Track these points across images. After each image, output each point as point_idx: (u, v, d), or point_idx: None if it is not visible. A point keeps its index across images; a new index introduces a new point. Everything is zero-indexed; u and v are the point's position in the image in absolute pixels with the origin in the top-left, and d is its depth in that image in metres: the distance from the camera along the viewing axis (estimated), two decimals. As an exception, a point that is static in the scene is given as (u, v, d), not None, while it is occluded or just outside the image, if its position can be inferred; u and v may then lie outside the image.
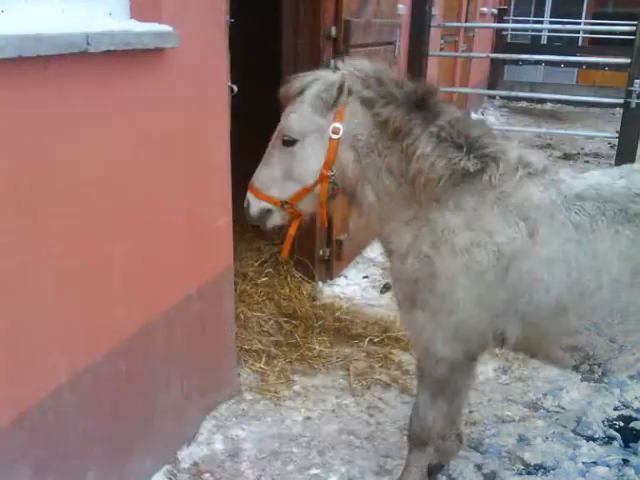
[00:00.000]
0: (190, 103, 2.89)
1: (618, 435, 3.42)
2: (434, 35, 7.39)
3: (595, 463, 3.22)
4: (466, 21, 10.64)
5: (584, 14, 17.92)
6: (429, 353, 2.55)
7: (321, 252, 5.02)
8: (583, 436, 3.44)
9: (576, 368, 2.69)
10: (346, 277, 5.30)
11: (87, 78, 2.26)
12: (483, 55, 11.12)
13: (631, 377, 3.86)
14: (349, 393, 3.76)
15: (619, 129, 6.49)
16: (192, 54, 2.82)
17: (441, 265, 2.39)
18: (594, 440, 3.40)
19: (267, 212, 2.64)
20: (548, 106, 14.73)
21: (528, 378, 3.96)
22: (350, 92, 2.45)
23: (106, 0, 2.48)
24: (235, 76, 3.34)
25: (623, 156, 6.13)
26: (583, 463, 3.22)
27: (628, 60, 6.16)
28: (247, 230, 5.39)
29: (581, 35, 17.48)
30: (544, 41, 17.60)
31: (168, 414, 3.06)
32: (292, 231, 2.68)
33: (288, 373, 3.91)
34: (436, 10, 7.44)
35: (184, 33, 2.67)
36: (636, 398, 3.78)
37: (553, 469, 3.19)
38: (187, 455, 3.17)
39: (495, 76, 15.57)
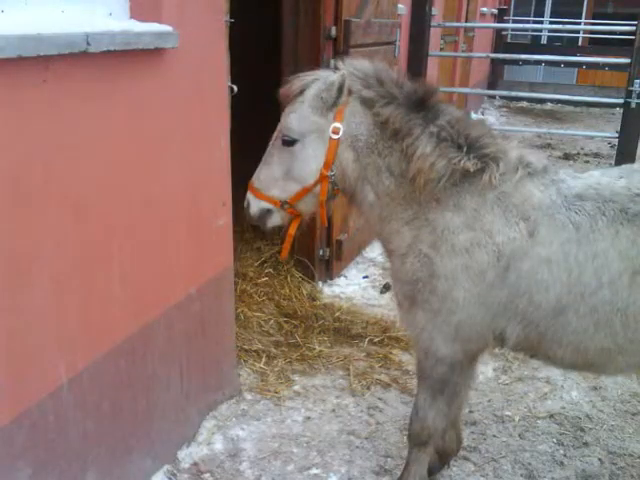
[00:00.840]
0: (190, 103, 2.89)
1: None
2: (434, 35, 7.40)
3: (594, 464, 3.23)
4: (466, 21, 10.64)
5: (584, 14, 17.92)
6: (429, 353, 2.55)
7: (321, 252, 5.02)
8: (583, 436, 3.44)
9: (576, 368, 2.70)
10: (346, 277, 5.30)
11: (87, 78, 2.26)
12: (483, 55, 11.11)
13: (630, 377, 3.87)
14: (349, 393, 3.76)
15: (619, 129, 6.50)
16: (192, 54, 2.82)
17: (441, 265, 2.39)
18: (593, 440, 3.41)
19: (267, 212, 2.65)
20: (548, 106, 14.74)
21: (528, 378, 3.96)
22: (350, 92, 2.45)
23: (106, 0, 2.48)
24: (235, 76, 3.34)
25: (623, 156, 6.15)
26: (583, 463, 3.23)
27: (628, 60, 6.17)
28: (247, 230, 5.40)
29: (581, 35, 17.48)
30: (544, 41, 17.60)
31: (168, 414, 3.06)
32: (292, 231, 2.68)
33: (288, 373, 3.91)
34: (436, 10, 7.44)
35: (184, 33, 2.67)
36: (635, 396, 3.78)
37: (553, 469, 3.19)
38: (187, 455, 3.18)
39: (495, 76, 15.57)
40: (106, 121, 2.40)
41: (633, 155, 6.23)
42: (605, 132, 9.46)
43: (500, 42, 14.95)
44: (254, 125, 4.39)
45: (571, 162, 9.87)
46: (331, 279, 5.15)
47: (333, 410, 3.60)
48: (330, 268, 5.13)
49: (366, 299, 4.96)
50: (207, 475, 3.07)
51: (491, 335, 2.48)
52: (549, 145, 10.92)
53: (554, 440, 3.41)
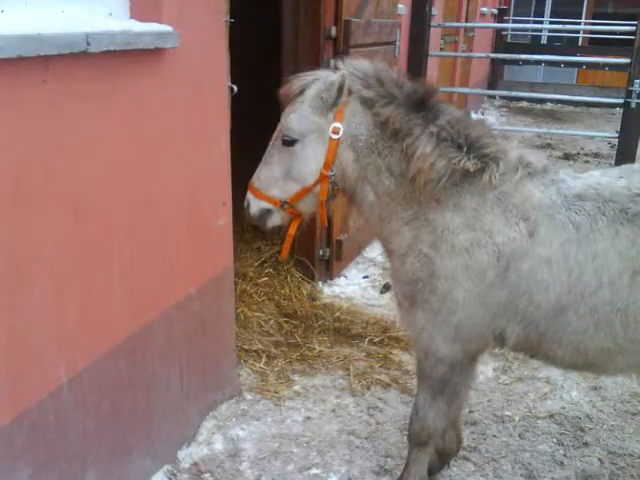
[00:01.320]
0: (190, 103, 2.89)
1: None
2: (434, 35, 7.40)
3: (594, 464, 3.23)
4: (466, 21, 10.63)
5: (584, 14, 17.93)
6: (429, 353, 2.55)
7: (321, 252, 5.02)
8: (583, 436, 3.44)
9: (576, 368, 2.70)
10: (346, 277, 5.30)
11: (87, 78, 2.26)
12: (483, 55, 11.11)
13: (630, 377, 3.87)
14: (349, 393, 3.76)
15: (619, 129, 6.50)
16: (192, 54, 2.82)
17: (441, 265, 2.39)
18: (593, 440, 3.41)
19: (267, 212, 2.65)
20: (548, 106, 14.74)
21: (528, 378, 3.96)
22: (350, 92, 2.45)
23: (106, 0, 2.48)
24: (235, 76, 3.34)
25: (623, 156, 6.15)
26: (583, 463, 3.23)
27: (628, 60, 6.18)
28: (247, 230, 5.40)
29: (581, 35, 17.49)
30: (544, 41, 17.61)
31: (168, 414, 3.06)
32: (292, 231, 2.68)
33: (288, 373, 3.91)
34: (436, 10, 7.44)
35: (184, 33, 2.67)
36: (635, 396, 3.78)
37: (553, 469, 3.19)
38: (187, 455, 3.17)
39: (495, 76, 15.57)
40: (106, 121, 2.40)
41: (633, 155, 6.23)
42: (605, 132, 9.46)
43: (500, 42, 14.95)
44: (254, 125, 4.39)
45: (571, 162, 9.87)
46: (331, 279, 5.15)
47: (333, 410, 3.60)
48: (330, 268, 5.13)
49: (366, 299, 4.96)
50: (207, 475, 3.07)
51: (491, 335, 2.48)
52: (549, 145, 10.92)
53: (554, 440, 3.41)
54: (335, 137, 2.46)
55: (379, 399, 3.72)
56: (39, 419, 2.26)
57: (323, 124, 2.47)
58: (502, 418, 3.57)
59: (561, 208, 2.33)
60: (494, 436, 3.42)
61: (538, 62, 14.80)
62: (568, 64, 14.32)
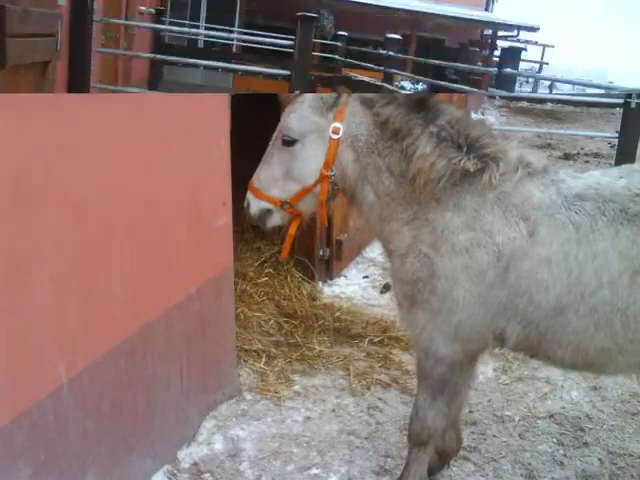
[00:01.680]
0: (190, 102, 2.89)
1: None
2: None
3: (594, 464, 3.22)
4: (126, 19, 10.09)
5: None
6: (429, 353, 2.55)
7: (321, 252, 5.03)
8: (583, 436, 3.44)
9: (576, 368, 2.70)
10: (346, 277, 5.30)
11: (87, 78, 2.26)
12: (144, 55, 10.69)
13: (630, 377, 3.87)
14: (349, 393, 3.76)
15: (619, 129, 6.50)
16: (192, 54, 2.82)
17: (441, 265, 2.39)
18: (593, 440, 3.40)
19: (267, 212, 2.65)
20: (548, 106, 14.75)
21: (528, 378, 3.96)
22: (350, 92, 2.45)
23: (106, 0, 2.48)
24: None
25: (623, 156, 6.14)
26: (583, 463, 3.23)
27: (287, 72, 6.30)
28: (247, 230, 5.40)
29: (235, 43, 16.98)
30: (201, 45, 17.18)
31: (168, 414, 3.05)
32: (292, 231, 2.68)
33: (288, 373, 3.91)
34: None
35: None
36: (635, 396, 3.79)
37: (553, 469, 3.19)
38: (187, 455, 3.17)
39: (155, 76, 14.92)
40: (106, 121, 2.39)
41: (633, 155, 6.22)
42: (605, 132, 9.47)
43: (160, 43, 14.23)
44: (254, 125, 4.39)
45: (571, 162, 9.88)
46: (331, 279, 5.15)
47: (333, 410, 3.60)
48: (330, 268, 5.14)
49: (366, 299, 4.96)
50: (207, 475, 3.07)
51: (491, 335, 2.48)
52: (549, 145, 10.94)
53: (554, 440, 3.40)
54: (335, 137, 2.46)
55: (379, 399, 3.71)
56: (39, 419, 2.25)
57: (323, 124, 2.47)
58: (502, 418, 3.57)
59: (561, 208, 2.33)
60: (494, 436, 3.42)
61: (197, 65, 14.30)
62: (226, 69, 13.91)
